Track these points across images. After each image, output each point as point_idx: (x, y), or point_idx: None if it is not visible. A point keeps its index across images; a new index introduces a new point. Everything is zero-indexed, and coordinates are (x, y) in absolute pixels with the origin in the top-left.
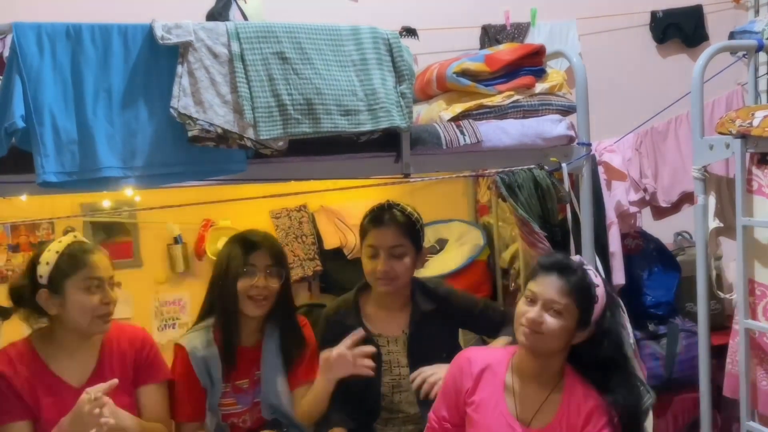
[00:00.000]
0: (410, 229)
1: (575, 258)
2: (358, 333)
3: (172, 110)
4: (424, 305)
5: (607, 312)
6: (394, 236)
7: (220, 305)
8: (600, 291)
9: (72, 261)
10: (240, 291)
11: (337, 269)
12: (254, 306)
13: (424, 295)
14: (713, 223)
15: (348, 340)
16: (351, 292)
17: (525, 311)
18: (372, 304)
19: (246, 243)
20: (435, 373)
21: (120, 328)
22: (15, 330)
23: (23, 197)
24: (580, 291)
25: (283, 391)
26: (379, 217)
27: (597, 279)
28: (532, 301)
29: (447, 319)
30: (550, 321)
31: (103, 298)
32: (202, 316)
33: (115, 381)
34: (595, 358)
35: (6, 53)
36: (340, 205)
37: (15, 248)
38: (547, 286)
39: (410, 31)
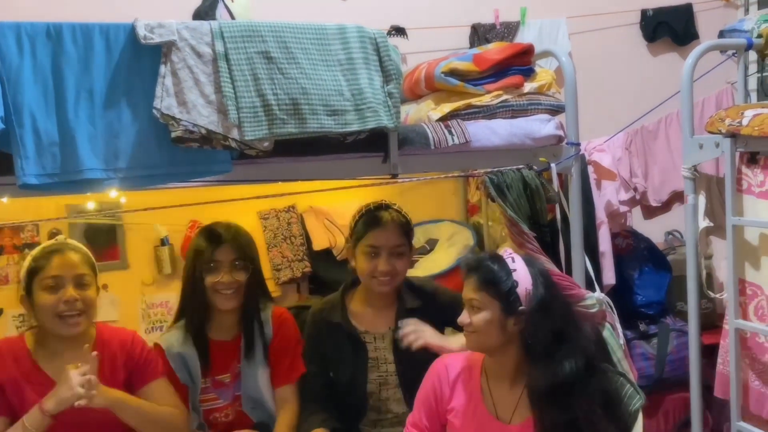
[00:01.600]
0: (408, 228)
1: (501, 251)
2: None
3: (155, 111)
4: (411, 302)
5: (534, 290)
6: (396, 236)
7: (191, 300)
8: (520, 274)
9: (37, 263)
10: (207, 286)
11: (326, 270)
12: (223, 299)
13: (410, 291)
14: (703, 223)
15: None
16: (337, 291)
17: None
18: (358, 302)
19: (210, 238)
20: (416, 332)
21: (111, 330)
22: (0, 333)
23: (5, 199)
24: (491, 282)
25: (264, 384)
26: (379, 217)
27: (516, 264)
28: (465, 305)
29: (433, 315)
30: (475, 318)
31: (61, 297)
32: (179, 314)
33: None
34: (541, 338)
35: None
36: (329, 206)
37: None
38: (466, 286)
39: (399, 30)
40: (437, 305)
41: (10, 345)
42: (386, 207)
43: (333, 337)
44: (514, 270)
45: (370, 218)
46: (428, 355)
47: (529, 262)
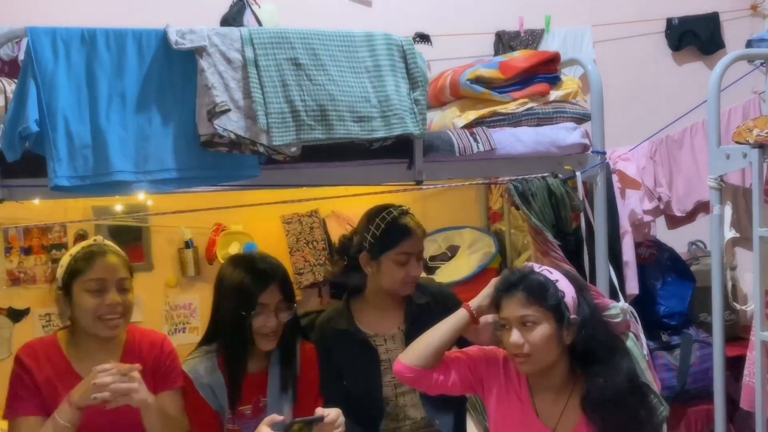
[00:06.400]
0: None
1: (524, 266)
2: None
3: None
4: (418, 299)
5: (579, 298)
6: (423, 240)
7: (230, 338)
8: (563, 284)
9: (79, 264)
10: (252, 329)
11: (348, 275)
12: (266, 341)
13: (417, 290)
14: (729, 234)
15: None
16: (341, 301)
17: (506, 339)
18: (364, 306)
19: (256, 278)
20: None
21: (142, 332)
22: (27, 332)
23: (36, 201)
24: (541, 294)
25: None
26: (409, 226)
27: (554, 274)
28: (507, 327)
29: (441, 312)
30: (531, 336)
31: (105, 300)
32: (207, 339)
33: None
34: (584, 347)
35: (21, 57)
36: (351, 211)
37: (27, 251)
38: (512, 304)
39: (424, 37)
40: (444, 301)
41: (44, 345)
42: (406, 213)
43: (342, 344)
44: (557, 281)
45: (400, 228)
46: None
47: (564, 272)
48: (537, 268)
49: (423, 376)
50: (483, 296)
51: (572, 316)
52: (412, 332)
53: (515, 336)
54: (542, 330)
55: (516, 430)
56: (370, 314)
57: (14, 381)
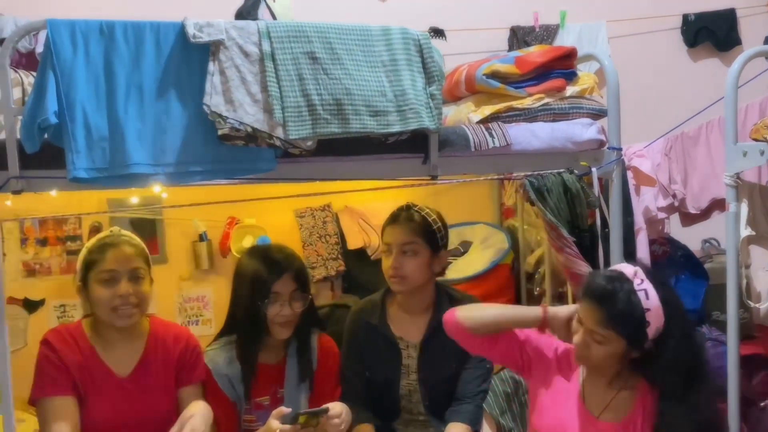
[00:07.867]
0: (425, 229)
1: (628, 271)
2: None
3: (204, 107)
4: (446, 309)
5: (665, 332)
6: (406, 234)
7: (245, 327)
8: (654, 313)
9: (92, 256)
10: (267, 317)
11: (360, 269)
12: (281, 330)
13: (448, 301)
14: (745, 231)
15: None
16: (379, 292)
17: (576, 331)
18: (396, 306)
19: (270, 267)
20: None
21: (165, 325)
22: (42, 323)
23: (53, 192)
24: (622, 321)
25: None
26: (395, 216)
27: (650, 300)
28: (580, 322)
29: None
30: (595, 348)
31: (117, 291)
32: (226, 331)
33: None
34: (658, 367)
35: (40, 50)
36: (364, 206)
37: (43, 242)
38: (588, 314)
39: (438, 32)
40: None
41: (70, 331)
42: (407, 208)
43: (370, 338)
44: (648, 309)
45: (389, 218)
46: (450, 369)
47: (664, 295)
48: (637, 281)
49: (468, 337)
50: (565, 312)
51: (647, 343)
52: (427, 345)
53: (580, 339)
54: (606, 350)
55: (559, 412)
56: (400, 315)
57: (43, 362)
